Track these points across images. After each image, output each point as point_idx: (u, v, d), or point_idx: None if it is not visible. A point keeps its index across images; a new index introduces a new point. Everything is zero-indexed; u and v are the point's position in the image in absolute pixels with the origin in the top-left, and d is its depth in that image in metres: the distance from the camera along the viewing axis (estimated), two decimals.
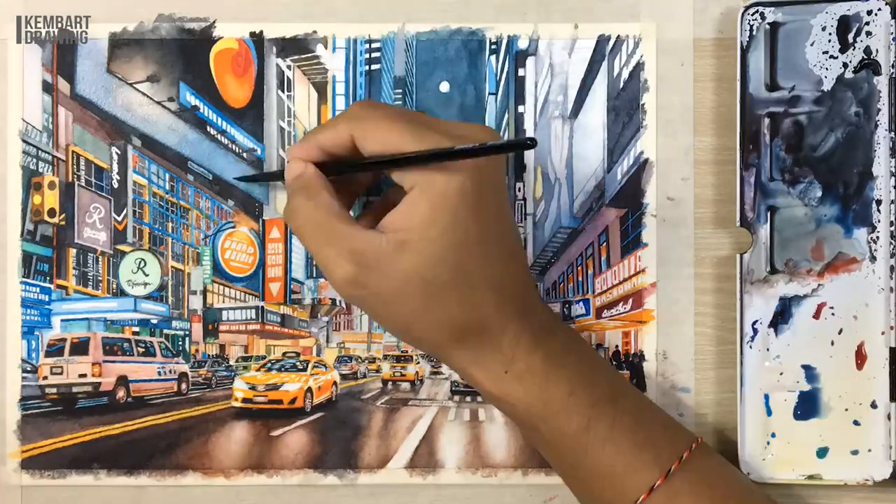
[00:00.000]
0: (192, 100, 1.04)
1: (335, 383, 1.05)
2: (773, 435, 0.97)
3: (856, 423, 0.96)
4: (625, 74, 1.03)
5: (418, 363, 1.05)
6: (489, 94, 1.04)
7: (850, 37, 0.96)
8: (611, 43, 1.03)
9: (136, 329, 1.05)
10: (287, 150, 0.82)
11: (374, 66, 1.03)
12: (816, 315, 0.97)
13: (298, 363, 1.07)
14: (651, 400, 0.92)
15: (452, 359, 0.80)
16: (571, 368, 0.78)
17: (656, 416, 0.85)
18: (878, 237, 0.96)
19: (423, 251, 0.71)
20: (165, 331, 1.05)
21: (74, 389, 1.03)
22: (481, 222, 0.73)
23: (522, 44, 1.03)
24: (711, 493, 0.80)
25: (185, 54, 1.03)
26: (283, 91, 1.04)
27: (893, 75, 0.96)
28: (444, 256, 0.71)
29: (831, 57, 0.97)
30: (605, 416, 0.76)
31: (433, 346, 0.80)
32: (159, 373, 1.05)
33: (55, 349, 1.03)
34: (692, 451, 0.81)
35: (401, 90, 1.03)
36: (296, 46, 1.03)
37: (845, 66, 0.96)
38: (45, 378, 1.03)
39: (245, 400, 1.04)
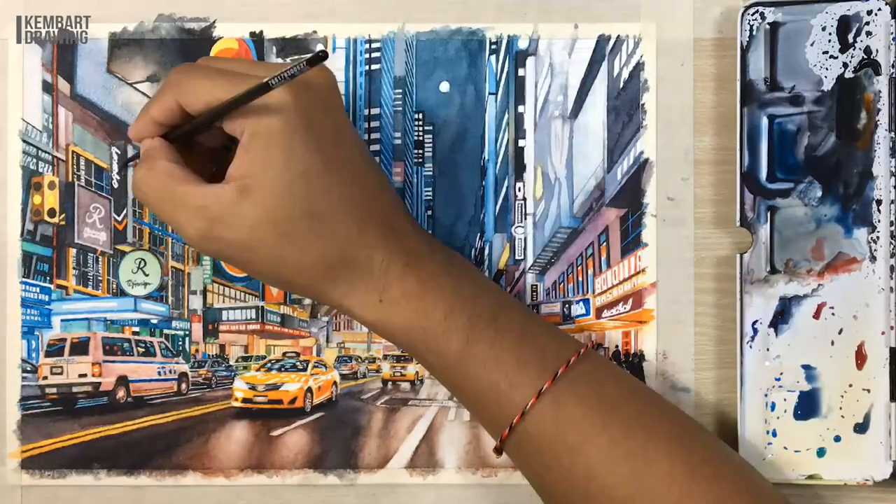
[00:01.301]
0: None
1: (335, 383, 1.05)
2: (774, 435, 0.97)
3: (856, 423, 0.96)
4: (625, 74, 1.03)
5: (418, 363, 1.05)
6: (489, 93, 1.04)
7: (850, 37, 0.96)
8: (611, 43, 1.03)
9: (136, 329, 1.05)
10: (128, 131, 0.83)
11: (374, 66, 1.03)
12: (816, 315, 0.97)
13: (298, 363, 1.07)
14: (539, 315, 0.93)
15: (327, 295, 0.77)
16: (449, 290, 0.76)
17: (543, 330, 0.81)
18: (878, 237, 0.96)
19: (265, 193, 0.70)
20: (165, 331, 1.05)
21: (74, 389, 1.03)
22: (320, 151, 0.71)
23: (522, 44, 1.03)
24: (600, 394, 0.78)
25: (185, 54, 1.03)
26: None
27: (893, 75, 0.96)
28: (288, 194, 0.70)
29: (831, 57, 0.97)
30: (485, 334, 0.75)
31: (305, 287, 0.78)
32: (159, 373, 1.05)
33: (55, 349, 1.03)
34: (580, 357, 0.79)
35: (401, 90, 1.03)
36: (296, 46, 1.03)
37: (845, 65, 0.96)
38: (45, 378, 1.03)
39: (245, 400, 1.04)
